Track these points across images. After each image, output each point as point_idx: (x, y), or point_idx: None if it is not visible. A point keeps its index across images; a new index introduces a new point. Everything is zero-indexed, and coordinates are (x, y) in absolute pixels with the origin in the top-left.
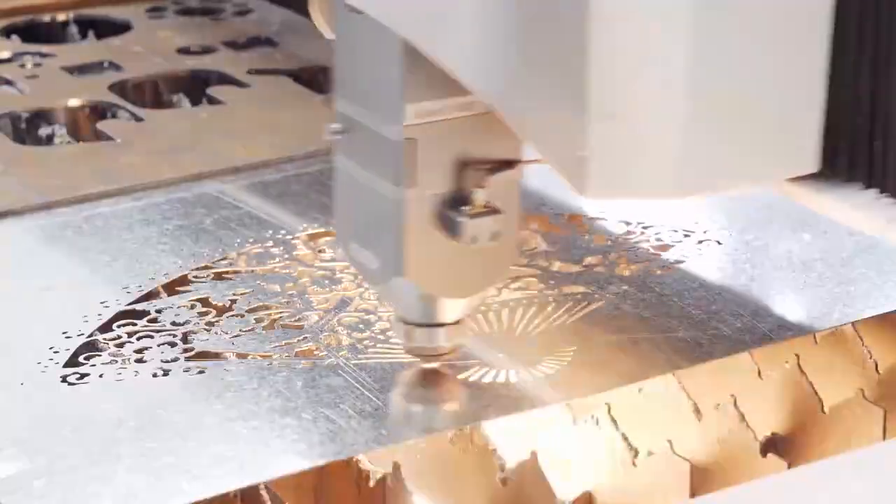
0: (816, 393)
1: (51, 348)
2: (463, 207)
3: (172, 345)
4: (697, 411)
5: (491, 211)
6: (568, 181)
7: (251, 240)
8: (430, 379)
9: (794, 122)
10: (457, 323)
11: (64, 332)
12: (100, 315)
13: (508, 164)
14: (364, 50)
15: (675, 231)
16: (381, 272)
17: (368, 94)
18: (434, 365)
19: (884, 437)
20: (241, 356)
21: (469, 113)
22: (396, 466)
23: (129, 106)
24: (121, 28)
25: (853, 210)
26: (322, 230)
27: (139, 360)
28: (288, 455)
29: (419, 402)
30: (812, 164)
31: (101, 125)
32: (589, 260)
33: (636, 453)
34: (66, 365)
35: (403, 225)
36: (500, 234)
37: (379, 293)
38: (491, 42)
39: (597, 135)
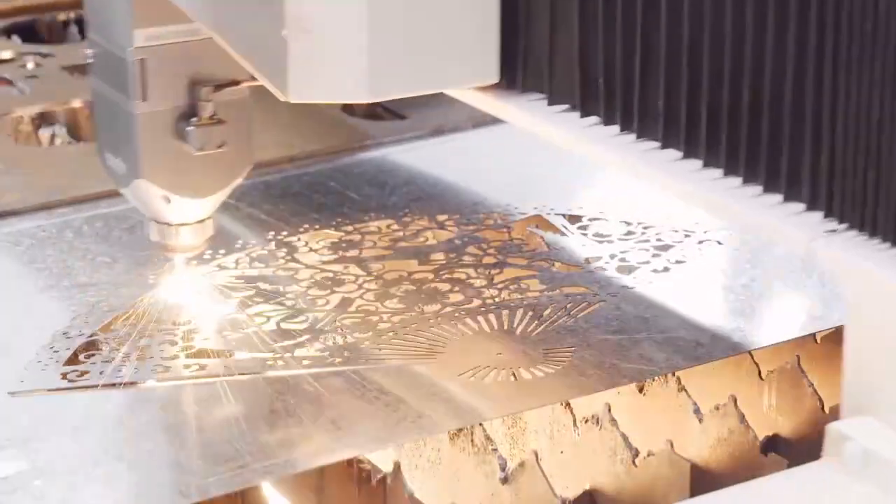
0: (817, 392)
1: (51, 347)
2: (192, 119)
3: (173, 344)
4: (698, 411)
5: (217, 122)
6: (273, 88)
7: (252, 241)
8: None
9: (474, 36)
10: (201, 222)
11: (65, 333)
12: (100, 315)
13: (234, 82)
14: None
15: (676, 231)
16: (127, 176)
17: (109, 22)
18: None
19: None
20: (242, 356)
21: (196, 38)
22: (396, 466)
23: None
24: None
25: None
26: (322, 231)
27: (140, 359)
28: (289, 456)
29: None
30: (493, 75)
31: None
32: (589, 260)
33: (636, 454)
34: (67, 363)
35: (139, 133)
36: (226, 142)
37: (128, 196)
38: None
39: (294, 47)
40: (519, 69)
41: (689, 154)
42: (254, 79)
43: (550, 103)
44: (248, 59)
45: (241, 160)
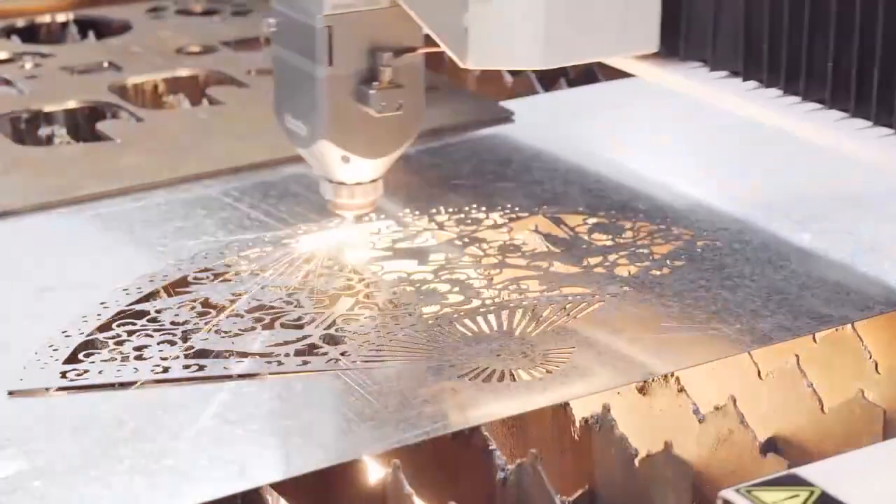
0: (816, 393)
1: (50, 346)
2: (374, 83)
3: (172, 344)
4: (697, 412)
5: (396, 86)
6: (453, 54)
7: (251, 241)
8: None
9: (639, 6)
10: (373, 181)
11: (64, 332)
12: (99, 315)
13: (411, 49)
14: None
15: (676, 231)
16: (308, 137)
17: None
18: (354, 214)
19: (884, 437)
20: (241, 356)
21: (377, 7)
22: (396, 466)
23: (129, 106)
24: (121, 28)
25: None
26: (322, 231)
27: (138, 359)
28: (288, 457)
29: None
30: (653, 45)
31: (101, 125)
32: (589, 261)
33: (636, 454)
34: (66, 362)
35: (325, 97)
36: (403, 105)
37: (305, 157)
38: None
39: (475, 15)
40: (681, 38)
41: (858, 113)
42: (429, 45)
43: (712, 69)
44: (431, 25)
45: (414, 123)
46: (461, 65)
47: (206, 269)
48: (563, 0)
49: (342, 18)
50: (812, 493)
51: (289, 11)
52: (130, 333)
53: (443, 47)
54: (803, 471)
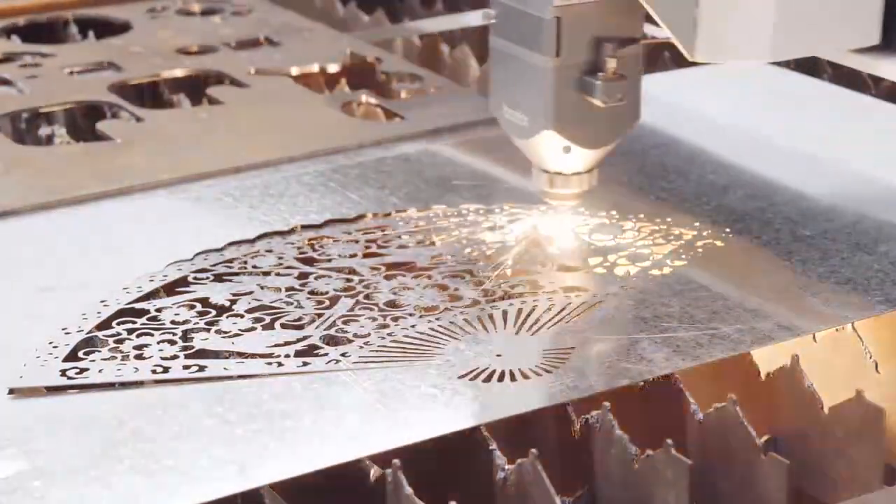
0: (816, 393)
1: (50, 343)
2: (598, 74)
3: (172, 343)
4: (697, 412)
5: (619, 77)
6: (681, 46)
7: (251, 241)
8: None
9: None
10: (588, 171)
11: (63, 329)
12: (99, 314)
13: (633, 40)
14: None
15: (675, 232)
16: (530, 128)
17: None
18: (567, 204)
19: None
20: (241, 356)
21: None
22: (396, 466)
23: (129, 106)
24: (121, 28)
25: None
26: (321, 230)
27: (139, 358)
28: (288, 457)
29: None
30: (874, 37)
31: (101, 125)
32: (589, 261)
33: (636, 454)
34: (66, 360)
35: (551, 87)
36: (626, 96)
37: (523, 148)
38: None
39: (704, 7)
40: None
41: None
42: (652, 37)
43: None
44: (660, 16)
45: (632, 114)
46: (689, 57)
47: (205, 269)
48: None
49: (570, 10)
50: None
51: (512, 3)
52: (131, 332)
53: (671, 39)
54: None
